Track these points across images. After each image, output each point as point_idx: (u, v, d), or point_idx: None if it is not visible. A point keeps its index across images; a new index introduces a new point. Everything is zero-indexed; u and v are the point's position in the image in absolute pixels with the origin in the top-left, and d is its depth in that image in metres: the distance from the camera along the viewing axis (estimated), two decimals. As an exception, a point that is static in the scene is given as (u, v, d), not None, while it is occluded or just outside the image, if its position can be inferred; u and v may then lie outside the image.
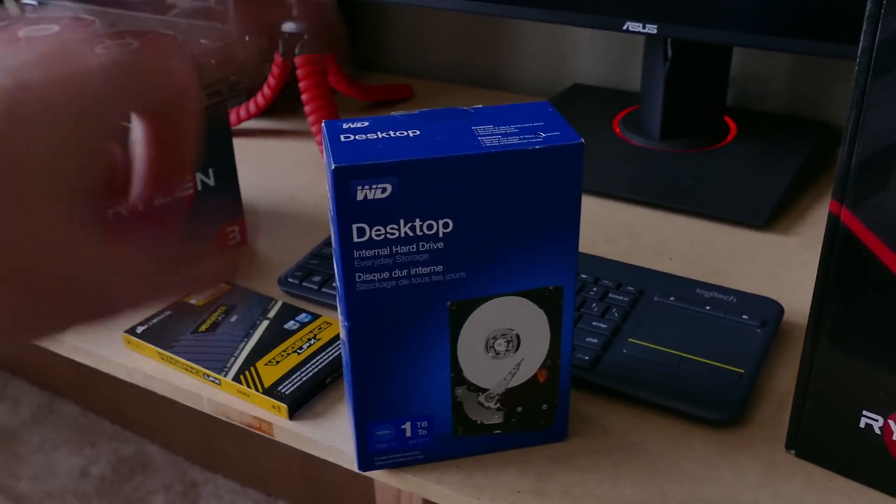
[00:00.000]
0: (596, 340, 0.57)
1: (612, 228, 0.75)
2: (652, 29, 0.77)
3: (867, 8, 0.39)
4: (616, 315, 0.60)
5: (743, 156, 0.83)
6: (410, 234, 0.43)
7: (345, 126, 0.45)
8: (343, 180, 0.41)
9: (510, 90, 1.09)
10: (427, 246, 0.43)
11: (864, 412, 0.46)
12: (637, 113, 0.90)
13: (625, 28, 0.78)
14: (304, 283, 0.65)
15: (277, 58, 0.92)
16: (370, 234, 0.42)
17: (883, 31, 0.39)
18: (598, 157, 0.84)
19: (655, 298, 0.61)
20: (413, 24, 1.12)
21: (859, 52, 0.40)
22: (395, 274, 0.44)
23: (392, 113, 0.46)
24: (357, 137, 0.43)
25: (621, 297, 0.61)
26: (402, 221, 0.42)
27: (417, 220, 0.43)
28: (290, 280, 0.66)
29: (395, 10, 1.13)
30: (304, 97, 0.88)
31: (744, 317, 0.59)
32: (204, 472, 1.53)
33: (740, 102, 0.96)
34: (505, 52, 1.08)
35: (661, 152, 0.85)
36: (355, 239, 0.42)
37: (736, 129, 0.88)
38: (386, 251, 0.43)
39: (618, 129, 0.89)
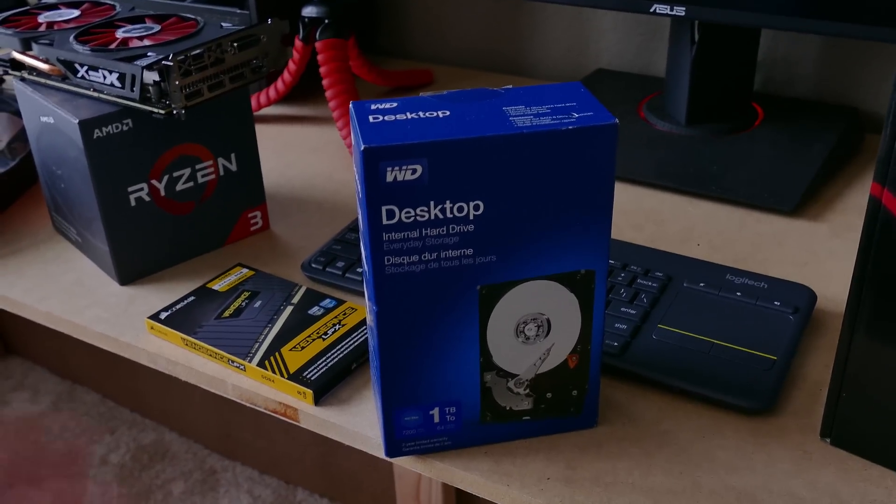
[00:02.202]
0: (625, 326, 0.56)
1: (637, 214, 0.74)
2: (680, 11, 0.76)
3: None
4: (645, 301, 0.59)
5: (770, 141, 0.82)
6: (440, 216, 0.42)
7: (373, 107, 0.44)
8: (372, 161, 0.40)
9: (532, 76, 1.08)
10: (457, 229, 0.43)
11: (904, 400, 0.45)
12: (662, 98, 0.89)
13: (652, 10, 0.77)
14: (328, 269, 0.64)
15: (298, 43, 0.91)
16: (399, 217, 0.42)
17: (930, 7, 0.37)
18: (623, 143, 0.83)
19: (685, 284, 0.60)
20: (434, 10, 1.11)
21: (904, 28, 0.39)
22: (424, 257, 0.43)
23: (420, 94, 0.45)
24: (386, 118, 0.43)
25: (650, 283, 0.60)
26: (432, 203, 0.42)
27: (448, 202, 0.42)
28: (313, 265, 0.65)
29: (416, -5, 1.12)
30: (325, 82, 0.87)
31: (776, 303, 0.58)
32: (223, 459, 1.54)
33: (768, 87, 0.95)
34: (527, 38, 1.07)
35: (687, 138, 0.83)
36: (384, 221, 0.42)
37: (763, 115, 0.87)
38: (415, 234, 0.42)
39: (643, 115, 0.88)
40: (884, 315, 0.44)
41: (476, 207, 0.42)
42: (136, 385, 1.61)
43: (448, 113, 0.43)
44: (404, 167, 0.41)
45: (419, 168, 0.41)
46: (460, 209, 0.42)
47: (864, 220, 0.44)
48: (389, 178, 0.41)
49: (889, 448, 0.47)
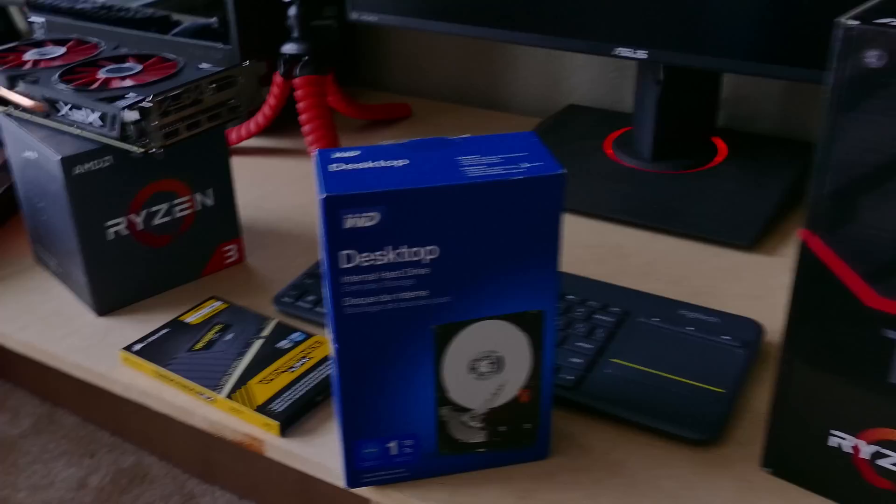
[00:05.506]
0: (580, 360, 0.59)
1: (601, 249, 0.77)
2: (642, 54, 0.79)
3: (834, 48, 0.41)
4: (601, 335, 0.61)
5: (732, 177, 0.85)
6: (397, 260, 0.45)
7: (335, 155, 0.47)
8: (332, 209, 0.43)
9: (507, 110, 1.11)
10: (413, 272, 0.45)
11: (833, 431, 0.48)
12: (630, 134, 0.92)
13: (615, 53, 0.80)
14: (298, 303, 0.67)
15: (278, 78, 0.94)
16: (358, 261, 0.44)
17: (849, 70, 0.40)
18: (590, 178, 0.86)
19: (640, 319, 0.63)
20: (413, 45, 1.14)
21: (828, 88, 0.42)
22: (381, 298, 0.45)
23: (381, 142, 0.48)
24: (347, 167, 0.45)
25: (607, 318, 0.63)
26: (388, 248, 0.44)
27: (404, 246, 0.44)
28: (284, 299, 0.67)
29: (396, 31, 1.15)
30: (302, 118, 0.90)
31: (725, 337, 0.61)
32: (202, 484, 1.55)
33: (732, 124, 0.98)
34: (502, 74, 1.10)
35: (652, 173, 0.86)
36: (343, 265, 0.44)
37: (727, 151, 0.90)
38: (373, 276, 0.45)
39: (610, 150, 0.91)
40: (814, 351, 0.47)
41: (431, 252, 0.45)
42: (116, 408, 1.62)
43: (407, 162, 0.46)
44: (362, 214, 0.43)
45: (376, 215, 0.43)
46: (416, 253, 0.45)
47: (795, 262, 0.46)
48: (348, 224, 0.43)
49: (823, 478, 0.50)
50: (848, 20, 0.40)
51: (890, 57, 0.39)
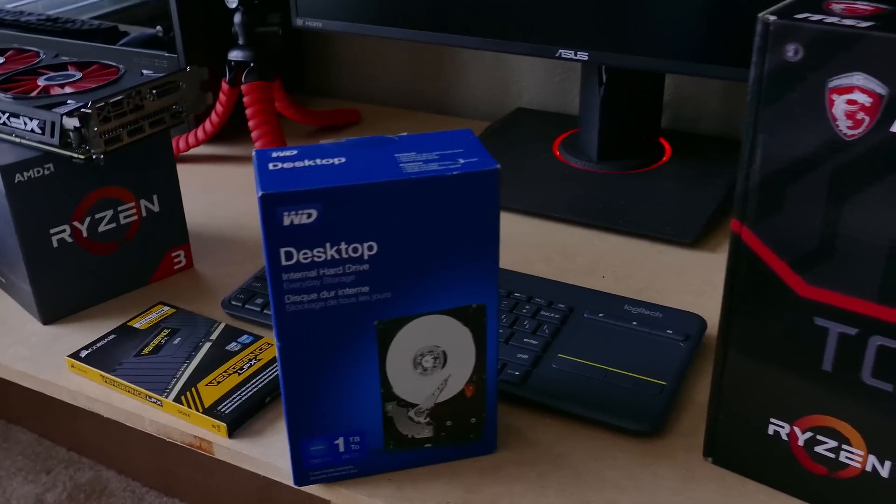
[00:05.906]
0: (526, 356, 0.60)
1: (548, 249, 0.78)
2: (583, 56, 0.80)
3: (755, 42, 0.42)
4: (547, 331, 0.62)
5: (676, 176, 0.87)
6: (336, 256, 0.45)
7: (274, 155, 0.47)
8: (270, 207, 0.43)
9: (457, 115, 1.12)
10: (353, 268, 0.46)
11: (772, 419, 0.49)
12: (576, 136, 0.94)
13: (557, 55, 0.81)
14: (247, 306, 0.67)
15: (224, 85, 0.94)
16: (297, 258, 0.45)
17: (769, 64, 0.42)
18: (537, 179, 0.87)
19: (585, 315, 0.64)
20: (361, 51, 1.15)
21: (750, 82, 0.43)
22: (322, 295, 0.46)
23: (320, 142, 0.49)
24: (285, 166, 0.46)
25: (552, 315, 0.64)
26: (328, 245, 0.45)
27: (343, 243, 0.45)
28: (233, 303, 0.67)
29: (343, 37, 1.15)
30: (250, 124, 0.90)
31: (668, 331, 0.62)
32: (161, 496, 1.53)
33: (676, 125, 1.00)
34: (451, 78, 1.11)
35: (598, 174, 0.88)
36: (283, 262, 0.44)
37: (671, 151, 0.91)
38: (313, 273, 0.45)
39: (557, 152, 0.93)
40: (750, 341, 0.48)
41: (370, 248, 0.45)
42: (72, 424, 1.59)
43: (344, 160, 0.46)
44: (300, 211, 0.44)
45: (314, 212, 0.44)
46: (355, 250, 0.45)
47: (728, 253, 0.48)
48: (286, 221, 0.44)
49: (762, 465, 0.51)
50: (767, 15, 0.41)
51: (805, 51, 0.40)
